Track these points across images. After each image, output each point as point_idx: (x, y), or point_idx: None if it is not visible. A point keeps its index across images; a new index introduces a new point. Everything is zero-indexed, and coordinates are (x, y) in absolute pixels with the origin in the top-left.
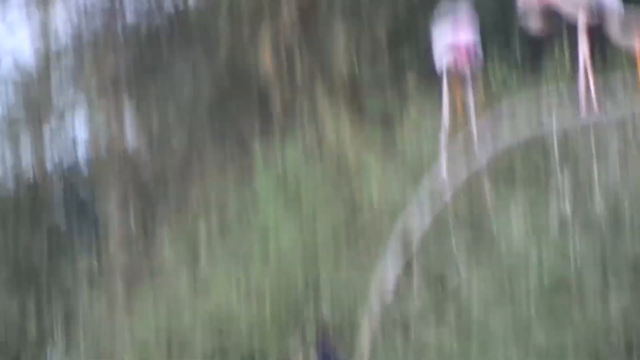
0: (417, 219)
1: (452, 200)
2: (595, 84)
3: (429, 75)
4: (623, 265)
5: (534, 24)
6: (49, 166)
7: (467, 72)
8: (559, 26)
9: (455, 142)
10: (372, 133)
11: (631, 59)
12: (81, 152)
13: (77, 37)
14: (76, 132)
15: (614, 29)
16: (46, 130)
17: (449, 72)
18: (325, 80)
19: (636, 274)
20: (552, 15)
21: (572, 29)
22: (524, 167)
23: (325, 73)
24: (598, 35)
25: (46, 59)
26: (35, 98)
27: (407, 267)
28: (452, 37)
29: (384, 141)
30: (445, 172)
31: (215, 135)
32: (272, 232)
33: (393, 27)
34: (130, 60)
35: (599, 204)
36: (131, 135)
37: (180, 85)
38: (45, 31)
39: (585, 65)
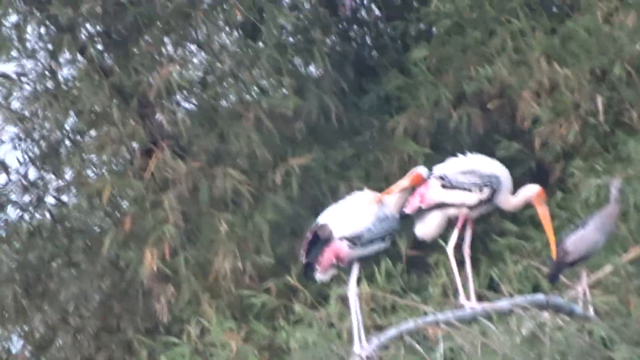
0: None
1: None
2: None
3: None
4: None
5: (424, 230)
6: None
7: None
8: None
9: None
10: (256, 329)
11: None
12: None
13: None
14: None
15: (504, 199)
16: None
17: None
18: (209, 279)
19: None
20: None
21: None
22: None
23: (208, 271)
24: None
25: None
26: None
27: None
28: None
29: (269, 337)
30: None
31: (100, 333)
32: None
33: (276, 220)
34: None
35: None
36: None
37: (64, 285)
38: None
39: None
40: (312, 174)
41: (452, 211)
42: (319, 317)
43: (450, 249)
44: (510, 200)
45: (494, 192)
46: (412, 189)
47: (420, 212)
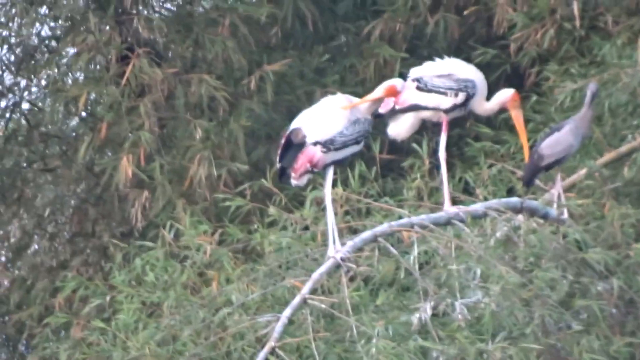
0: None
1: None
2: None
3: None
4: None
5: (396, 130)
6: None
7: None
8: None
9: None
10: (231, 232)
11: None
12: None
13: None
14: None
15: (479, 104)
16: None
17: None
18: (184, 185)
19: None
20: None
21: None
22: (383, 265)
23: (183, 177)
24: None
25: None
26: None
27: None
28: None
29: (243, 240)
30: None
31: (75, 238)
32: (132, 333)
33: (252, 127)
34: None
35: (459, 306)
36: None
37: (39, 190)
38: None
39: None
40: (287, 79)
41: (426, 114)
42: (293, 220)
43: (441, 152)
44: (484, 105)
45: (469, 97)
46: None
47: (394, 113)
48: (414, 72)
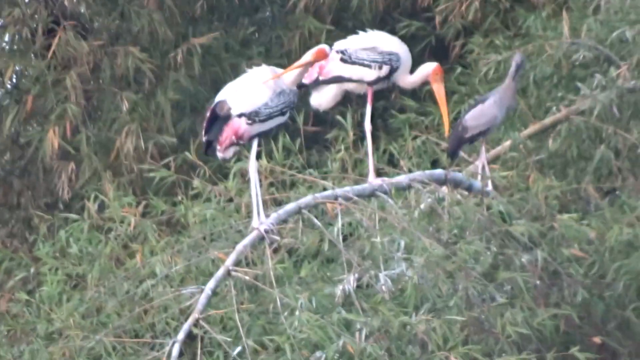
0: (200, 288)
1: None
2: (374, 152)
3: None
4: (408, 339)
5: (319, 100)
6: None
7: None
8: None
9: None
10: (155, 205)
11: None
12: None
13: None
14: None
15: (403, 77)
16: None
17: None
18: (110, 156)
19: (423, 348)
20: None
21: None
22: (307, 237)
23: (110, 149)
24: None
25: None
26: None
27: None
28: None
29: (167, 212)
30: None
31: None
32: (56, 305)
33: (178, 100)
34: None
35: (383, 278)
36: None
37: None
38: None
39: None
40: (213, 52)
41: (350, 86)
42: (217, 192)
43: (367, 123)
44: (408, 79)
45: (393, 70)
46: (311, 65)
47: (318, 84)
48: (339, 44)
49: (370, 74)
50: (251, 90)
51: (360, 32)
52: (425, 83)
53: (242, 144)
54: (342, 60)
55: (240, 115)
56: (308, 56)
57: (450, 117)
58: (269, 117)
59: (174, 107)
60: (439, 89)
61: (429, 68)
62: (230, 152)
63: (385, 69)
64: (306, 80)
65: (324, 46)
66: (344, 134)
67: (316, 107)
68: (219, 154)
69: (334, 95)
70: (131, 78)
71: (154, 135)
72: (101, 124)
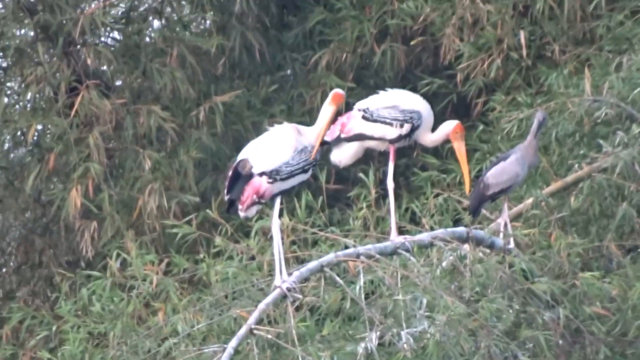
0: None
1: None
2: (396, 209)
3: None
4: None
5: (340, 156)
6: None
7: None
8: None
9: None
10: (177, 262)
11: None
12: None
13: None
14: None
15: (424, 135)
16: None
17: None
18: (132, 215)
19: None
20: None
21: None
22: (329, 295)
23: (132, 208)
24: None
25: None
26: None
27: None
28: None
29: (189, 270)
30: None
31: (22, 268)
32: None
33: (201, 157)
34: None
35: (405, 335)
36: None
37: None
38: None
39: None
40: (235, 110)
41: (371, 143)
42: (239, 250)
43: (389, 181)
44: (429, 137)
45: (414, 128)
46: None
47: (340, 141)
48: (361, 103)
49: (392, 132)
50: (272, 149)
51: (382, 91)
52: (447, 140)
53: (263, 202)
54: (364, 118)
55: (261, 174)
56: (327, 106)
57: (471, 174)
58: (291, 175)
59: (197, 165)
60: (459, 147)
61: (450, 126)
62: (252, 211)
63: (407, 127)
64: (328, 137)
65: (337, 90)
66: (366, 192)
67: (336, 164)
68: (241, 213)
69: (354, 152)
70: (153, 136)
71: (176, 193)
72: (123, 182)
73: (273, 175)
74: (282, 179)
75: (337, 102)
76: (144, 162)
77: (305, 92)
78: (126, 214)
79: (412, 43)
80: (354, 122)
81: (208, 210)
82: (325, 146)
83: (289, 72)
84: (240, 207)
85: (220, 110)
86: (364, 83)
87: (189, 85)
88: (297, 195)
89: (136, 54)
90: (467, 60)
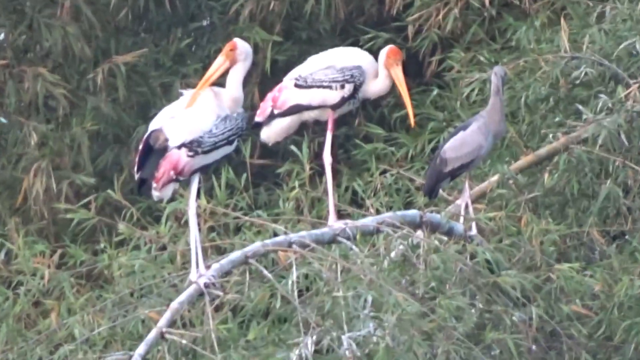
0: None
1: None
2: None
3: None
4: None
5: (270, 133)
6: None
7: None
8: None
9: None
10: (73, 253)
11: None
12: None
13: None
14: None
15: (370, 87)
16: None
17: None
18: (17, 200)
19: None
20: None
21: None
22: (255, 292)
23: (16, 191)
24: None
25: None
26: None
27: None
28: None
29: (88, 262)
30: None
31: None
32: None
33: (98, 129)
34: None
35: (347, 340)
36: None
37: None
38: None
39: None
40: (140, 70)
41: (311, 114)
42: (148, 239)
43: (326, 155)
44: (373, 86)
45: (358, 86)
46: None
47: (273, 119)
48: (291, 73)
49: (333, 96)
50: (191, 116)
51: (311, 57)
52: (396, 109)
53: (182, 179)
54: (297, 86)
55: (180, 147)
56: (220, 58)
57: (425, 143)
58: (214, 146)
59: (93, 139)
60: (396, 73)
61: (382, 56)
62: (168, 191)
63: (349, 87)
64: (260, 117)
65: (234, 40)
66: (298, 168)
67: (265, 142)
68: (155, 193)
69: (287, 127)
70: (41, 105)
71: (68, 173)
72: (4, 160)
73: (194, 147)
74: (204, 152)
75: (231, 53)
76: (29, 136)
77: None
78: (9, 198)
79: None
80: (286, 93)
81: (109, 191)
82: (256, 128)
83: (205, 23)
84: (154, 185)
85: (122, 72)
86: (295, 37)
87: (84, 42)
88: (216, 172)
89: (20, 3)
90: (419, 10)
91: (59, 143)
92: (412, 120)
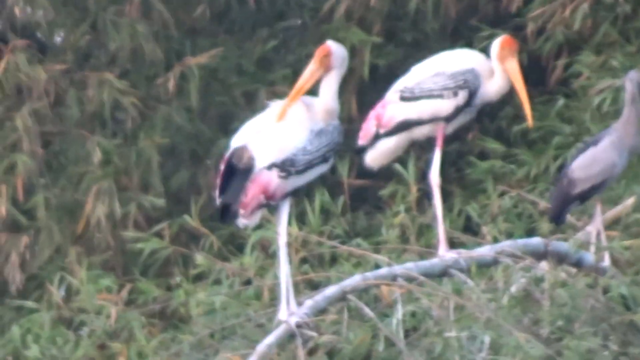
0: None
1: None
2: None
3: None
4: None
5: (376, 156)
6: None
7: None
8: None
9: None
10: (144, 289)
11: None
12: None
13: None
14: None
15: (487, 90)
16: None
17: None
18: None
19: None
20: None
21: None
22: (354, 333)
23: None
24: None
25: None
26: None
27: None
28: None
29: (161, 299)
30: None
31: None
32: None
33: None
34: None
35: None
36: None
37: None
38: None
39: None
40: (219, 76)
41: (421, 130)
42: (230, 271)
43: (434, 175)
44: (491, 87)
45: (473, 92)
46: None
47: (379, 139)
48: (396, 85)
49: (446, 106)
50: (281, 132)
51: (415, 66)
52: (516, 121)
53: (273, 204)
54: (404, 99)
55: (270, 167)
56: (313, 64)
57: (550, 161)
58: (309, 165)
59: (165, 155)
60: (511, 67)
61: (494, 48)
62: (256, 217)
63: (463, 94)
64: (363, 141)
65: (328, 43)
66: (404, 190)
67: (370, 166)
68: (243, 221)
69: (394, 147)
70: (107, 116)
71: (135, 195)
72: (65, 180)
73: (286, 166)
74: (297, 172)
75: (324, 58)
76: (92, 153)
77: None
78: (69, 225)
79: None
80: (392, 108)
81: (185, 216)
82: (361, 153)
83: (295, 23)
84: (241, 212)
85: (195, 75)
86: (398, 38)
87: (155, 43)
88: (309, 194)
89: (82, 0)
90: (541, 6)
91: (126, 160)
92: (529, 121)
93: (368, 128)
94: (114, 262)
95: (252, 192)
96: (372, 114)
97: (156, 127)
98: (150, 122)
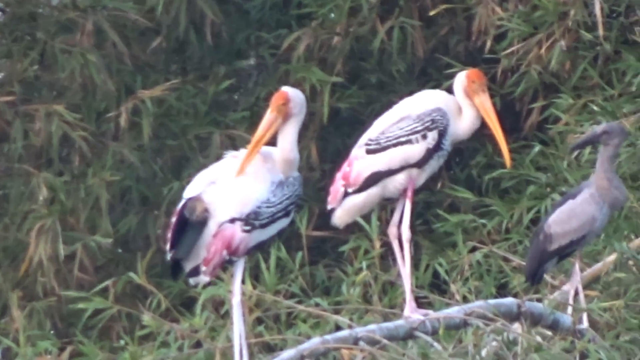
0: None
1: None
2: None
3: None
4: None
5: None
6: None
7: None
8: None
9: None
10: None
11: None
12: None
13: None
14: None
15: (457, 128)
16: None
17: None
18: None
19: None
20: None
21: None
22: None
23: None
24: None
25: None
26: None
27: None
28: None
29: None
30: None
31: None
32: None
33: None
34: None
35: None
36: None
37: None
38: None
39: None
40: (172, 112)
41: (395, 183)
42: (179, 333)
43: (404, 229)
44: (462, 124)
45: (443, 131)
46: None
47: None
48: (360, 140)
49: (416, 151)
50: (240, 183)
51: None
52: (487, 170)
53: (235, 260)
54: (370, 151)
55: (232, 220)
56: (269, 114)
57: (524, 212)
58: (272, 219)
59: (114, 196)
60: (482, 102)
61: (459, 81)
62: (215, 273)
63: (433, 135)
64: (332, 204)
65: (284, 89)
66: (366, 244)
67: (336, 224)
68: (204, 278)
69: (361, 203)
70: (55, 152)
71: (82, 235)
72: (7, 220)
73: (250, 219)
74: (261, 226)
75: (281, 105)
76: (38, 190)
77: (275, 90)
78: (10, 269)
79: (431, 13)
80: (359, 164)
81: (131, 274)
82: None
83: (252, 61)
84: (203, 269)
85: (150, 111)
86: (362, 80)
87: (107, 75)
88: (263, 249)
89: (31, 27)
90: (516, 43)
91: (73, 198)
92: (507, 160)
93: (336, 189)
94: (56, 311)
95: (214, 248)
96: (339, 175)
97: (106, 165)
98: (100, 159)
